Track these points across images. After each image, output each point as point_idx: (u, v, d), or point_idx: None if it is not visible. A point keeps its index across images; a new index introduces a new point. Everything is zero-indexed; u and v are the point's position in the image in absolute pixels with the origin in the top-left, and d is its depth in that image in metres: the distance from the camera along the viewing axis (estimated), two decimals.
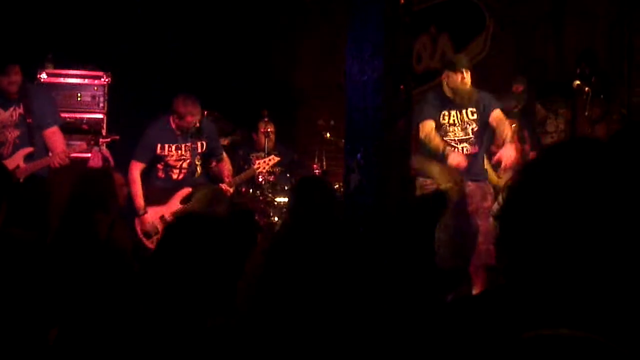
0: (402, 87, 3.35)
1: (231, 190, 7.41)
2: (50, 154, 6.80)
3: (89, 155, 7.66)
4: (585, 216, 1.50)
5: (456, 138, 6.93)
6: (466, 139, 6.96)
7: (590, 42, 8.81)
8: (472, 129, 6.99)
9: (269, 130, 8.35)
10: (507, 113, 7.60)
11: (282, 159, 8.02)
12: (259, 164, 7.73)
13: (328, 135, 8.40)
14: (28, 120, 6.76)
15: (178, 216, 5.43)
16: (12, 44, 7.87)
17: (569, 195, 1.52)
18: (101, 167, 7.22)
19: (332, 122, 8.55)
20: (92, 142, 7.13)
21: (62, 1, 8.75)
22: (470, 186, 6.64)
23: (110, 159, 7.54)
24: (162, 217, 7.30)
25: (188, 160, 7.42)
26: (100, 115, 8.33)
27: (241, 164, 8.52)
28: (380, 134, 3.28)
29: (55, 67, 8.37)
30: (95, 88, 8.38)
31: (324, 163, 8.41)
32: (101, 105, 8.36)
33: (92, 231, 4.85)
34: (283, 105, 10.14)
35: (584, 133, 7.54)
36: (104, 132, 8.09)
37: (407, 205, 3.44)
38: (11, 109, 6.76)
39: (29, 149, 6.71)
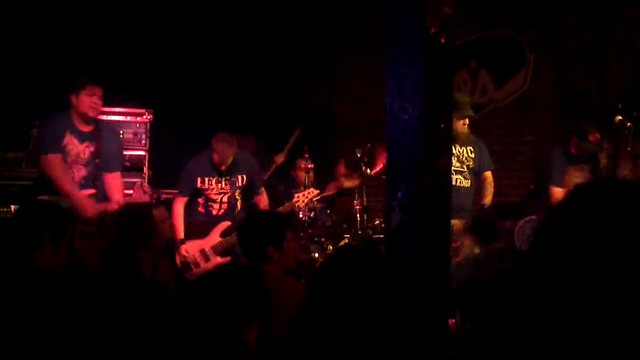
0: (442, 125, 3.33)
1: None
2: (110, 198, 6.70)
3: (131, 191, 7.72)
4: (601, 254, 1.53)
5: (453, 168, 7.06)
6: (461, 171, 7.25)
7: (632, 75, 8.75)
8: (468, 165, 7.39)
9: (309, 166, 8.37)
10: (574, 158, 7.64)
11: (320, 192, 8.02)
12: (298, 197, 7.74)
13: (368, 170, 8.37)
14: (96, 161, 6.68)
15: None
16: (56, 82, 7.96)
17: (588, 235, 1.55)
18: (142, 204, 7.27)
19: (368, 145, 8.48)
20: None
21: (105, 39, 8.85)
22: (456, 224, 6.63)
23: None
24: (202, 251, 7.40)
25: (228, 194, 7.52)
26: (142, 152, 8.40)
27: (281, 200, 8.54)
28: (422, 172, 3.25)
29: None
30: (137, 125, 8.45)
31: (364, 199, 8.37)
32: (143, 142, 8.42)
33: (135, 270, 4.87)
34: (323, 139, 10.16)
35: (627, 168, 7.47)
36: (145, 169, 8.16)
37: (449, 244, 3.41)
38: (85, 144, 6.67)
39: (91, 191, 6.62)
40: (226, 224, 7.48)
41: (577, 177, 7.51)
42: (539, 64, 9.45)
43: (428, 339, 3.04)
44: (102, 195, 6.70)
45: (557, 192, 7.55)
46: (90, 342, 3.49)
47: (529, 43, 9.47)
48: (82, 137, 6.67)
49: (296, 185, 8.71)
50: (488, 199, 7.45)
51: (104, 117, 8.31)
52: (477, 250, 5.47)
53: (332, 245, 7.84)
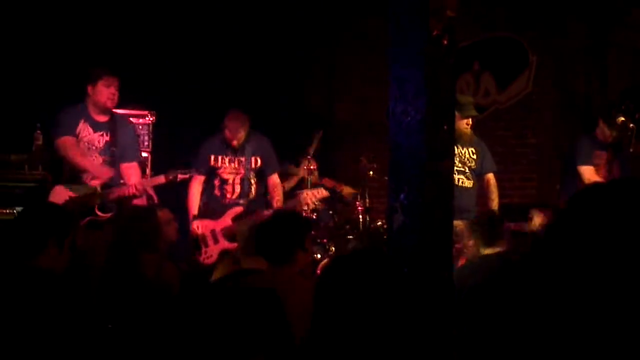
0: (445, 127, 3.34)
1: None
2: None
3: None
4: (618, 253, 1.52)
5: (455, 168, 6.99)
6: (463, 171, 7.23)
7: (633, 76, 8.75)
8: (470, 166, 7.38)
9: (312, 167, 8.36)
10: (600, 144, 7.43)
11: (330, 195, 8.00)
12: (306, 193, 7.67)
13: (371, 172, 8.36)
14: (112, 149, 6.89)
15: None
16: (58, 85, 7.99)
17: (602, 235, 1.55)
18: (146, 206, 7.29)
19: (374, 165, 8.45)
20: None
21: (107, 41, 8.85)
22: (459, 225, 6.55)
23: (155, 196, 7.61)
24: (212, 231, 7.44)
25: (241, 175, 7.54)
26: (145, 154, 8.40)
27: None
28: (424, 174, 3.26)
29: None
30: (140, 127, 8.44)
31: (367, 200, 8.37)
32: (146, 143, 8.42)
33: (138, 271, 4.88)
34: (325, 141, 10.14)
35: (630, 168, 7.46)
36: (148, 170, 8.16)
37: (452, 246, 3.42)
38: (99, 133, 6.88)
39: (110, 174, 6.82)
40: (239, 209, 7.52)
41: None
42: (540, 65, 9.45)
43: (431, 340, 3.05)
44: (120, 184, 6.89)
45: (586, 171, 7.36)
46: (95, 342, 3.50)
47: (530, 44, 9.48)
48: (97, 127, 6.89)
49: (299, 186, 8.71)
50: (495, 203, 7.41)
51: None
52: (482, 252, 5.43)
53: (334, 247, 7.83)
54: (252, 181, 7.70)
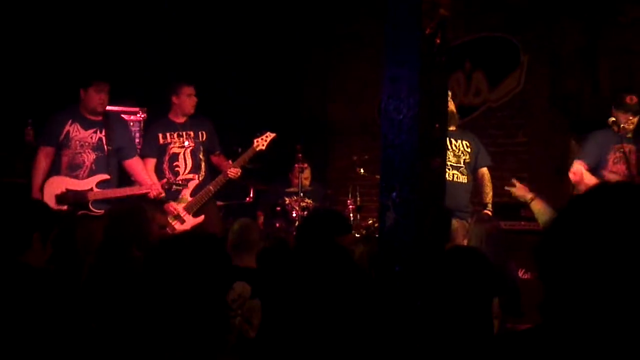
0: (437, 125, 3.34)
1: (239, 171, 7.50)
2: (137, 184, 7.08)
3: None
4: (617, 259, 1.51)
5: (449, 163, 6.87)
6: (457, 167, 7.03)
7: (626, 77, 8.76)
8: (465, 160, 7.12)
9: (302, 166, 8.36)
10: (620, 137, 7.01)
11: (277, 135, 7.85)
12: (257, 141, 7.59)
13: (362, 171, 8.37)
14: (108, 147, 6.91)
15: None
16: (50, 81, 7.97)
17: (600, 240, 1.53)
18: (135, 203, 7.27)
19: (365, 157, 8.47)
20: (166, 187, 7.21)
21: (98, 38, 8.83)
22: (454, 224, 6.38)
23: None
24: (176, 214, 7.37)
25: (191, 148, 7.46)
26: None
27: (273, 200, 8.58)
28: (416, 172, 3.26)
29: None
30: (132, 124, 8.44)
31: (358, 199, 8.39)
32: (137, 140, 8.41)
33: (127, 268, 4.87)
34: (316, 140, 10.15)
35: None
36: None
37: (443, 243, 3.42)
38: (91, 130, 6.91)
39: (106, 177, 6.87)
40: (194, 182, 7.45)
41: None
42: (533, 65, 9.46)
43: (423, 339, 3.05)
44: (116, 180, 6.99)
45: (585, 173, 6.95)
46: (81, 338, 3.50)
47: (523, 45, 9.48)
48: (89, 124, 6.92)
49: (291, 186, 8.70)
50: (489, 197, 7.18)
51: None
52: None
53: None
54: (202, 156, 7.58)
